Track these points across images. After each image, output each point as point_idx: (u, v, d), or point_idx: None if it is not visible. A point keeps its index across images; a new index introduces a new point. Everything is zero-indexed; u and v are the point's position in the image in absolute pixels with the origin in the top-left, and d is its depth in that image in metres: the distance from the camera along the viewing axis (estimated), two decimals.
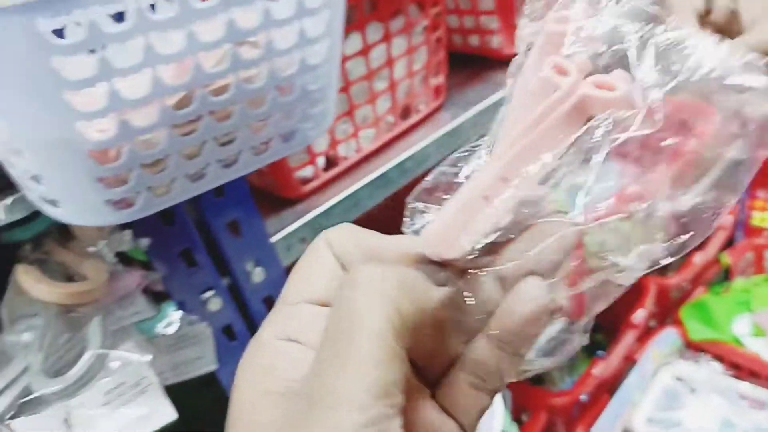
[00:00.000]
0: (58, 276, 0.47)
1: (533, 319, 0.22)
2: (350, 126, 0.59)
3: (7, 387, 0.44)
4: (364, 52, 0.56)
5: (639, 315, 1.06)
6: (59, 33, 0.29)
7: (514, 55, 0.26)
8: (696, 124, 0.22)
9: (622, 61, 0.23)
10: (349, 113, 0.58)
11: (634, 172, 0.23)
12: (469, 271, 0.23)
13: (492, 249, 0.23)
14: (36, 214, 0.43)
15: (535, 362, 0.25)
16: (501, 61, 0.73)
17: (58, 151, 0.32)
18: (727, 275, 1.22)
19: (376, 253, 0.23)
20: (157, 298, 0.52)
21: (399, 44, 0.60)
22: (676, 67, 0.22)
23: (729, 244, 1.24)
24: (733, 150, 0.22)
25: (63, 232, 0.49)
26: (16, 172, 0.36)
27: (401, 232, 0.25)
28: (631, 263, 0.23)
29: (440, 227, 0.23)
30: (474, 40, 0.75)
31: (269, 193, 0.59)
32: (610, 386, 1.01)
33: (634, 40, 0.23)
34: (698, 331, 1.09)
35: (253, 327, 0.58)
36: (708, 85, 0.22)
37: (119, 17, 0.30)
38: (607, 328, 1.11)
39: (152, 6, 0.31)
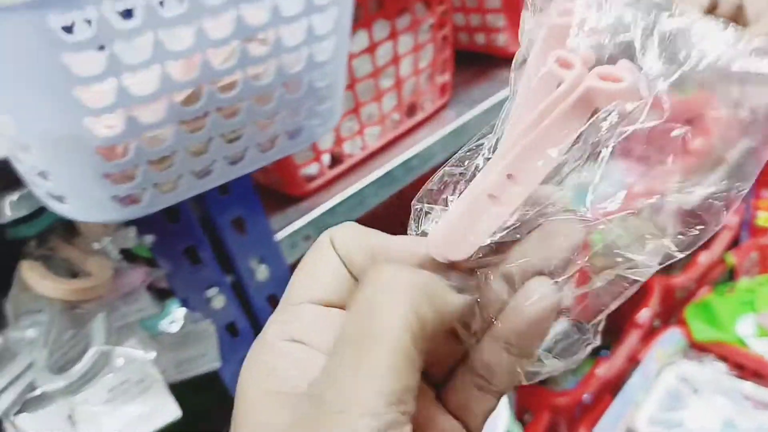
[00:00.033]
0: (62, 272, 0.47)
1: (541, 319, 0.22)
2: (356, 123, 0.59)
3: (11, 383, 0.44)
4: (371, 49, 0.56)
5: (643, 315, 1.05)
6: (69, 29, 0.28)
7: None
8: (702, 119, 0.22)
9: (626, 51, 0.22)
10: (355, 111, 0.58)
11: (640, 167, 0.23)
12: (477, 270, 0.23)
13: (498, 248, 0.23)
14: (41, 211, 0.43)
15: (546, 365, 0.24)
16: (507, 59, 0.72)
17: (65, 147, 0.32)
18: (731, 275, 1.21)
19: (380, 253, 0.23)
20: (161, 295, 0.52)
21: (405, 42, 0.60)
22: (682, 55, 0.21)
23: (734, 244, 1.24)
24: (742, 140, 0.22)
25: (68, 229, 0.48)
26: (23, 168, 0.36)
27: (406, 231, 0.25)
28: (643, 259, 0.23)
29: (446, 228, 0.23)
30: (480, 38, 0.75)
31: (274, 190, 0.59)
32: (613, 386, 1.01)
33: (638, 29, 0.22)
34: (702, 332, 1.09)
35: (256, 325, 0.58)
36: (714, 74, 0.21)
37: (128, 14, 0.30)
38: (610, 328, 1.10)
39: (161, 2, 0.30)
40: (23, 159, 0.35)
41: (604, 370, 0.98)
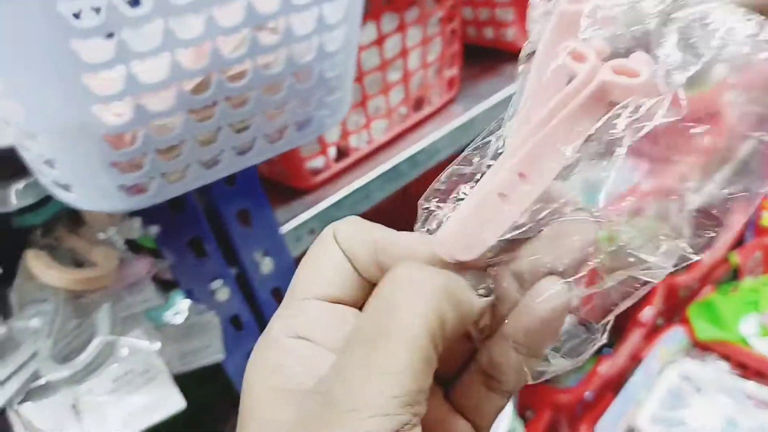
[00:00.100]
0: (67, 262, 0.47)
1: (552, 319, 0.21)
2: (362, 117, 0.59)
3: (15, 372, 0.43)
4: (379, 42, 0.56)
5: (646, 313, 1.05)
6: (78, 16, 0.28)
7: None
8: (716, 115, 0.21)
9: (642, 41, 0.21)
10: (362, 104, 0.58)
11: (652, 166, 0.22)
12: (487, 270, 0.23)
13: (507, 247, 0.22)
14: (47, 200, 0.42)
15: (552, 364, 0.24)
16: (516, 54, 0.71)
17: (73, 135, 0.32)
18: (735, 275, 1.21)
19: (384, 248, 0.22)
20: (166, 287, 0.52)
21: (413, 35, 0.59)
22: (700, 45, 0.20)
23: (738, 243, 1.24)
24: (754, 136, 0.21)
25: (73, 218, 0.48)
26: (30, 156, 0.36)
27: (411, 226, 0.24)
28: (657, 260, 0.22)
29: (455, 228, 0.22)
30: (488, 33, 0.74)
31: (279, 183, 0.58)
32: (615, 384, 1.01)
33: (654, 18, 0.21)
34: (705, 330, 1.09)
35: (260, 317, 0.58)
36: (734, 67, 0.20)
37: (137, 1, 0.29)
38: (613, 326, 1.10)
39: None
40: (30, 147, 0.35)
41: (607, 367, 0.98)
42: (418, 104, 0.65)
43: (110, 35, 0.29)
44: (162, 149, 0.35)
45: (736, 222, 0.22)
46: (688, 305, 1.14)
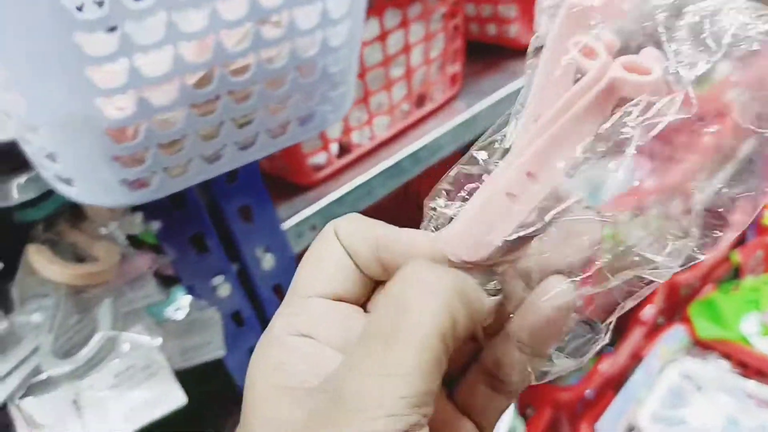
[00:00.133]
0: (69, 257, 0.47)
1: (557, 318, 0.21)
2: (364, 113, 0.59)
3: (16, 367, 0.43)
4: (382, 37, 0.56)
5: (647, 311, 1.05)
6: (81, 8, 0.28)
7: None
8: (723, 112, 0.21)
9: (652, 37, 0.21)
10: (364, 100, 0.58)
11: (657, 164, 0.22)
12: (493, 269, 0.22)
13: (515, 246, 0.22)
14: (48, 194, 0.42)
15: (556, 364, 0.23)
16: (518, 51, 0.72)
17: (75, 128, 0.32)
18: (737, 273, 1.21)
19: (386, 245, 0.22)
20: (167, 282, 0.52)
21: (416, 31, 0.59)
22: (712, 42, 0.20)
23: (740, 242, 1.24)
24: (758, 133, 0.21)
25: (75, 213, 0.48)
26: (32, 149, 0.36)
27: (413, 223, 0.24)
28: (664, 260, 0.22)
29: (461, 228, 0.22)
30: (491, 29, 0.74)
31: (281, 179, 0.58)
32: (616, 383, 1.01)
33: (665, 12, 0.21)
34: (706, 329, 1.09)
35: (261, 314, 0.58)
36: (745, 64, 0.20)
37: None
38: (614, 325, 1.10)
39: None
40: (31, 140, 0.35)
41: (607, 366, 0.98)
42: (421, 100, 0.65)
43: (113, 28, 0.29)
44: (164, 144, 0.35)
45: (741, 222, 0.22)
46: (689, 304, 1.14)
